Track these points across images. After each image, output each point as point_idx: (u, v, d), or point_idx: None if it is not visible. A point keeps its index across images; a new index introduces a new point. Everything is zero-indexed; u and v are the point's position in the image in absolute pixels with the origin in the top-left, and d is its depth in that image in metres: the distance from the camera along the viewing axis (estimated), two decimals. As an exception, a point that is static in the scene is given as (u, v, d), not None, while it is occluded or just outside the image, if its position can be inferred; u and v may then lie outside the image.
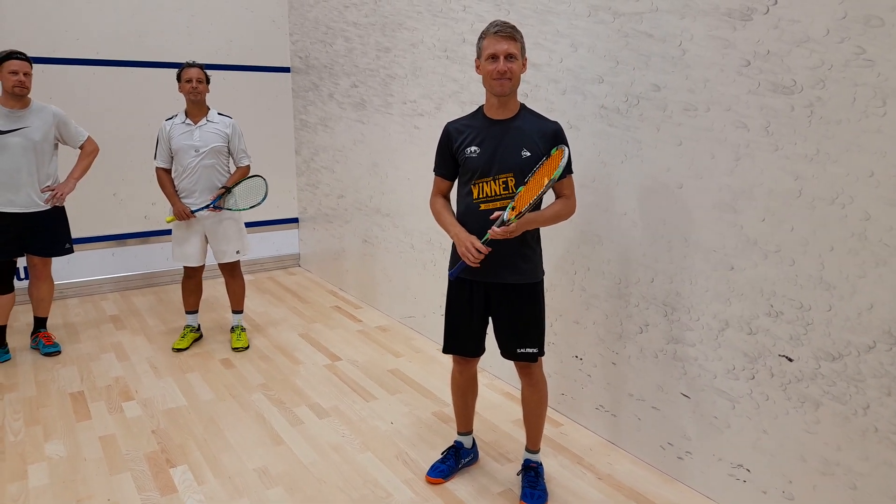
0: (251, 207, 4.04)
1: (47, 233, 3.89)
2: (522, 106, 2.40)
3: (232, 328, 4.29)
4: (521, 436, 3.04)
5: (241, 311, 4.30)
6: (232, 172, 4.06)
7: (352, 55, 4.81)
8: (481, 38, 2.30)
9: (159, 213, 5.36)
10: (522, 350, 2.44)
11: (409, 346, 4.27)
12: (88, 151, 3.99)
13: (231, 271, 4.19)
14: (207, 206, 3.90)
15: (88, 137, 3.99)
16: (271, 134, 5.73)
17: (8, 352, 3.95)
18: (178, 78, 3.86)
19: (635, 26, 2.64)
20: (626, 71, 2.71)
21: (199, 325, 4.31)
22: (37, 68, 3.77)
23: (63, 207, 3.96)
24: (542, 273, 2.48)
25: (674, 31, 2.49)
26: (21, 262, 4.04)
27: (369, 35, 4.57)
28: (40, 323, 4.12)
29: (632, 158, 2.74)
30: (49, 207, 3.84)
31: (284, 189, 5.93)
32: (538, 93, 3.16)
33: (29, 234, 3.81)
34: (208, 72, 3.94)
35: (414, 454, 2.96)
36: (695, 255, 2.52)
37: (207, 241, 4.07)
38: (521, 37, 2.29)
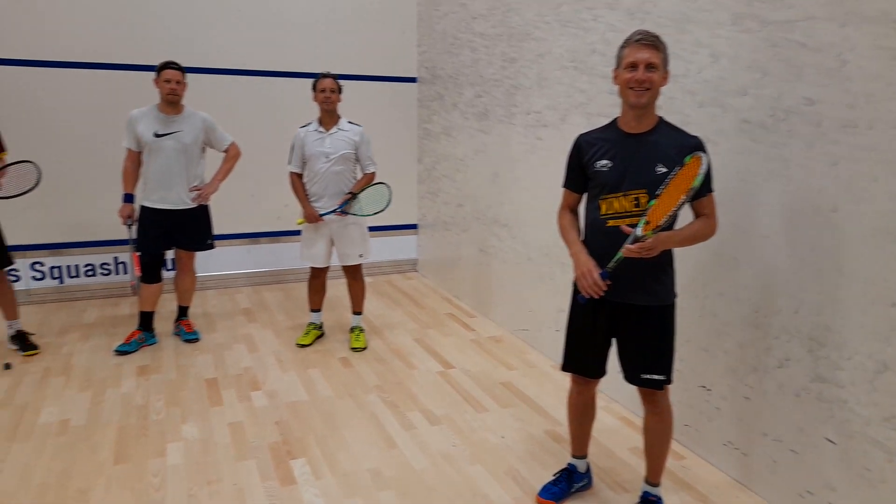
0: (375, 213, 4.16)
1: (193, 229, 4.22)
2: (661, 119, 2.28)
3: (351, 328, 4.44)
4: (639, 465, 2.90)
5: (360, 313, 4.45)
6: (358, 179, 4.20)
7: (477, 66, 4.85)
8: (622, 46, 2.22)
9: (290, 214, 5.64)
10: (648, 376, 2.32)
11: (523, 359, 4.21)
12: (231, 155, 4.30)
13: (353, 274, 4.34)
14: (335, 211, 4.06)
15: (232, 142, 4.29)
16: (395, 142, 5.90)
17: (154, 336, 4.33)
18: (314, 87, 4.06)
19: (786, 35, 2.44)
20: (773, 83, 2.51)
21: (321, 324, 4.50)
22: (190, 77, 4.10)
23: (207, 206, 4.28)
24: (675, 296, 2.35)
25: (832, 40, 2.27)
26: (168, 255, 4.43)
27: (495, 45, 4.58)
28: (183, 312, 4.49)
29: (777, 177, 2.53)
30: (195, 206, 4.17)
31: (405, 196, 6.07)
32: (672, 105, 3.00)
33: (177, 229, 4.16)
34: (340, 82, 4.11)
35: (525, 472, 2.90)
36: (849, 287, 2.28)
37: (333, 244, 4.25)
38: (665, 48, 2.18)
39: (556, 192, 3.96)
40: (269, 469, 2.89)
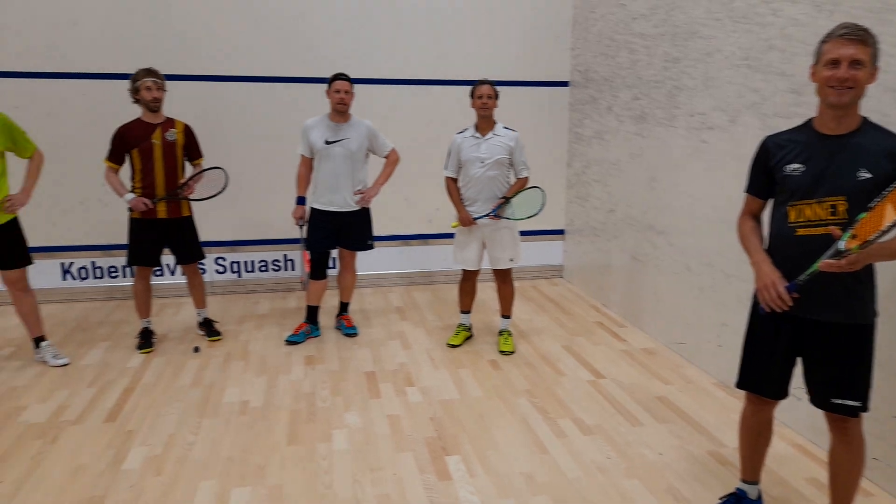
0: (528, 217, 4.17)
1: (356, 230, 4.48)
2: (865, 120, 2.07)
3: (500, 332, 4.49)
4: (817, 498, 2.65)
5: (509, 317, 4.48)
6: (512, 183, 4.24)
7: (635, 67, 4.70)
8: (823, 41, 2.04)
9: (442, 218, 5.85)
10: (841, 402, 2.11)
11: (679, 374, 4.01)
12: (391, 161, 4.51)
13: (503, 278, 4.38)
14: (488, 215, 4.13)
15: (392, 149, 4.51)
16: (544, 146, 5.87)
17: (319, 329, 4.65)
18: (471, 94, 4.16)
19: None
20: None
21: (470, 325, 4.59)
22: (356, 87, 4.37)
23: (369, 209, 4.53)
24: (874, 314, 2.12)
25: None
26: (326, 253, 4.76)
27: (657, 46, 4.41)
28: (344, 307, 4.78)
29: None
30: (359, 208, 4.42)
31: (553, 201, 5.98)
32: (867, 104, 2.71)
33: (342, 230, 4.44)
34: (497, 88, 4.17)
35: (687, 492, 2.76)
36: None
37: (485, 247, 4.32)
38: (875, 42, 1.98)
39: (721, 197, 3.74)
40: (426, 462, 3.00)
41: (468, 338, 4.57)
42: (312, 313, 4.61)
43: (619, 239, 5.05)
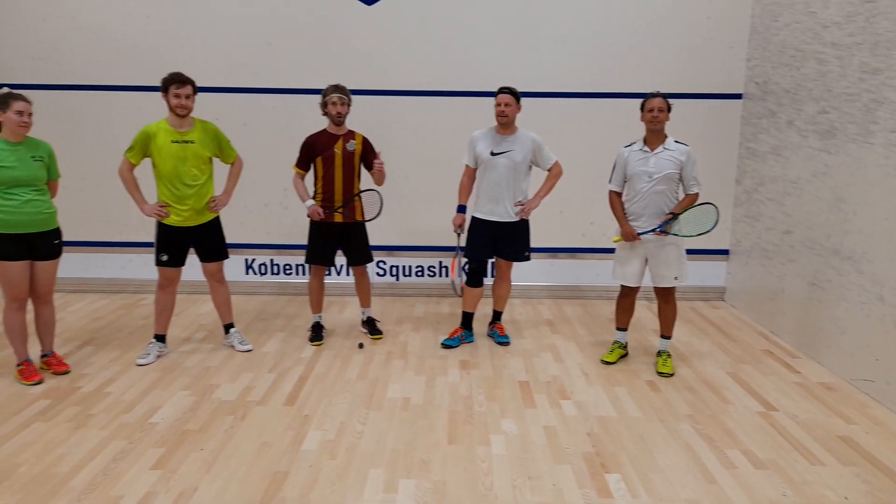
0: (697, 235, 4.01)
1: (514, 241, 4.54)
2: None
3: (658, 352, 4.33)
4: None
5: (669, 337, 4.31)
6: (680, 199, 4.09)
7: (824, 79, 4.35)
8: None
9: (597, 232, 5.78)
10: None
11: (865, 413, 3.64)
12: (554, 174, 4.53)
13: (666, 296, 4.23)
14: (654, 230, 4.02)
15: (556, 162, 4.52)
16: (712, 161, 5.59)
17: (472, 335, 4.77)
18: (642, 107, 4.08)
19: None
20: None
21: (626, 343, 4.48)
22: (523, 101, 4.45)
23: (528, 220, 4.58)
24: None
25: None
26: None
27: (852, 56, 4.06)
28: (497, 316, 4.86)
29: None
30: (518, 220, 4.49)
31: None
32: None
33: (501, 240, 4.52)
34: (669, 101, 4.06)
35: (882, 544, 2.50)
36: None
37: (647, 264, 4.20)
38: None
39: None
40: (584, 477, 2.97)
41: (623, 356, 4.46)
42: (467, 319, 4.73)
43: (796, 263, 4.68)
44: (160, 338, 4.36)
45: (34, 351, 4.05)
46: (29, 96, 3.74)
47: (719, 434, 3.40)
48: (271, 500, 2.76)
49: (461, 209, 4.57)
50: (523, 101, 4.43)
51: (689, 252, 4.25)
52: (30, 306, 3.96)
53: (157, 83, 4.05)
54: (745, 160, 5.53)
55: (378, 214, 4.53)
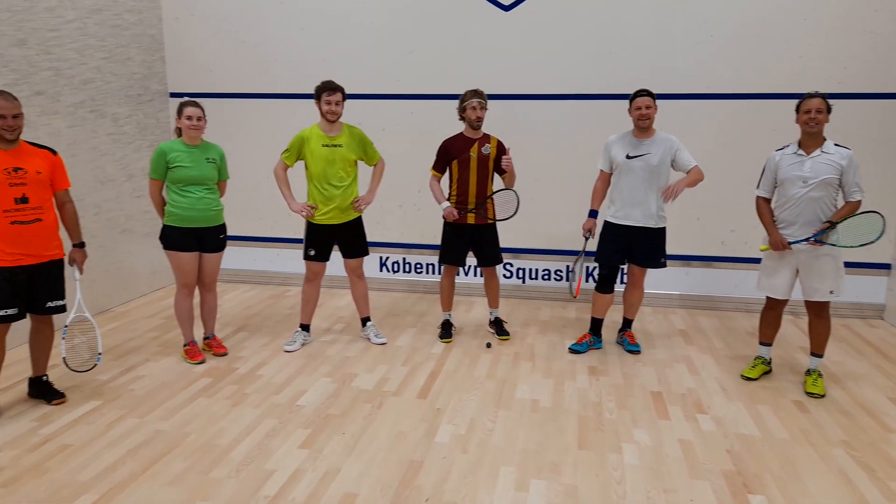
0: (858, 246, 3.69)
1: (649, 246, 4.41)
2: None
3: (807, 371, 4.03)
4: None
5: (820, 356, 4.00)
6: (838, 207, 3.79)
7: None
8: None
9: (737, 240, 5.48)
10: None
11: None
12: (693, 178, 4.31)
13: (818, 312, 3.93)
14: (808, 239, 3.75)
15: (695, 166, 4.32)
16: (881, 168, 5.11)
17: (601, 341, 4.69)
18: (797, 108, 3.82)
19: None
20: None
21: (770, 359, 4.21)
22: (661, 103, 4.32)
23: (665, 227, 4.43)
24: None
25: None
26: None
27: None
28: (627, 324, 4.75)
29: None
30: (655, 225, 4.35)
31: (879, 229, 5.22)
32: None
33: (634, 245, 4.41)
34: (829, 101, 3.77)
35: None
36: None
37: (798, 276, 3.92)
38: None
39: None
40: (725, 496, 2.84)
41: (766, 372, 4.19)
42: (596, 325, 4.66)
43: (976, 281, 4.17)
44: (305, 327, 4.68)
45: (198, 333, 4.50)
46: (203, 104, 4.17)
47: (880, 463, 3.11)
48: (408, 486, 2.89)
49: (593, 214, 4.51)
50: (661, 102, 4.30)
51: (846, 265, 3.92)
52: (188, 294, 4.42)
53: (309, 91, 4.36)
54: (915, 165, 5.00)
55: (514, 214, 4.58)
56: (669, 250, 4.56)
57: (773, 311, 4.11)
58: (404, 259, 6.11)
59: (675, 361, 4.44)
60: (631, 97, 4.31)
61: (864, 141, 5.06)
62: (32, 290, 3.46)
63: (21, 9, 4.46)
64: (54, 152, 3.58)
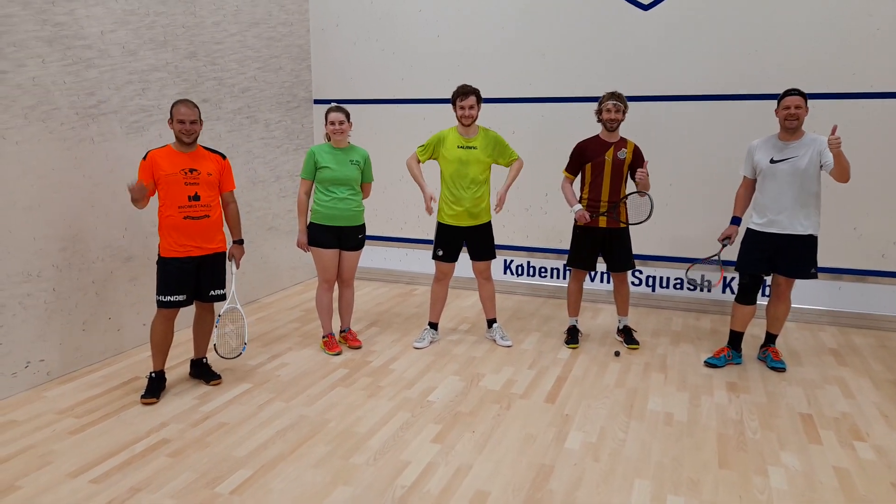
0: None
1: (795, 255, 4.11)
2: None
3: None
4: None
5: None
6: None
7: None
8: None
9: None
10: None
11: None
12: (838, 178, 3.93)
13: None
14: None
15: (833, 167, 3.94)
16: None
17: (740, 356, 4.43)
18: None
19: None
20: None
21: (941, 387, 3.79)
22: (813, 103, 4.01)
23: (816, 235, 4.10)
24: None
25: None
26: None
27: None
28: (771, 338, 4.45)
29: None
30: (804, 233, 4.05)
31: None
32: None
33: (780, 254, 4.13)
34: None
35: None
36: None
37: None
38: None
39: None
40: (891, 533, 2.59)
41: (936, 401, 3.78)
42: (736, 339, 4.41)
43: None
44: (433, 325, 4.82)
45: (335, 326, 4.76)
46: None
47: None
48: (539, 490, 2.89)
49: (735, 220, 4.29)
50: (817, 104, 3.99)
51: None
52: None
53: (444, 96, 4.48)
54: None
55: (647, 218, 4.45)
56: (820, 262, 4.23)
57: (947, 333, 3.69)
58: (528, 262, 6.10)
59: (826, 382, 4.11)
60: (780, 97, 4.06)
61: None
62: (199, 280, 3.83)
63: (192, 24, 4.95)
64: (224, 157, 3.94)
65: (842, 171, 3.84)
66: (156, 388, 3.81)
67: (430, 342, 4.75)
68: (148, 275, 4.26)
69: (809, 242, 4.12)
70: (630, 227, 4.54)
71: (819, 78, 4.93)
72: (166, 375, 3.94)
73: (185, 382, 4.06)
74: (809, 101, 4.04)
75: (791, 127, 4.02)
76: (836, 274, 5.21)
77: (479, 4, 5.85)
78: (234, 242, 4.08)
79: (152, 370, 3.86)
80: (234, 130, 5.46)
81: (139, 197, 3.58)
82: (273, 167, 5.95)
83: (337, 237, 4.43)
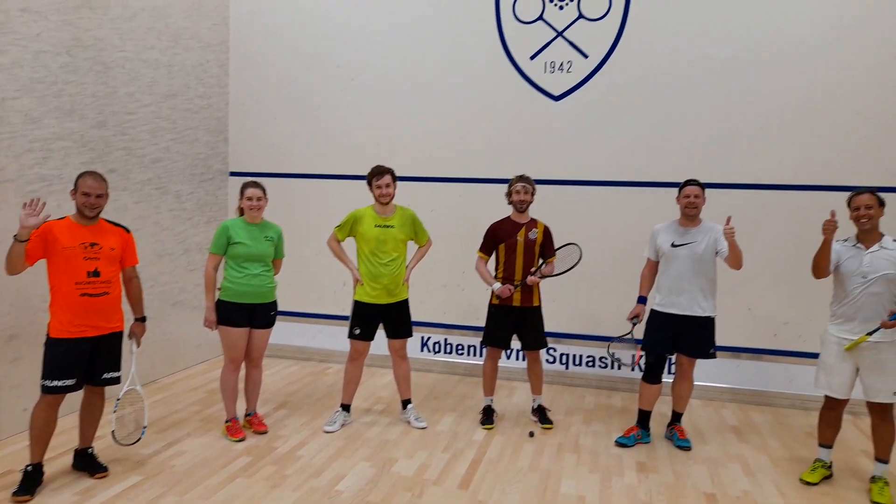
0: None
1: (698, 337, 4.32)
2: None
3: (872, 478, 3.79)
4: None
5: (886, 462, 3.77)
6: (897, 304, 3.68)
7: None
8: None
9: (790, 332, 5.32)
10: None
11: None
12: (731, 264, 4.22)
13: (881, 414, 3.74)
14: (871, 333, 3.61)
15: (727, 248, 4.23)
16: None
17: (649, 435, 4.51)
18: (848, 203, 3.79)
19: None
20: None
21: (831, 463, 3.98)
22: (709, 192, 4.35)
23: (713, 317, 4.34)
24: None
25: None
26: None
27: None
28: (676, 417, 4.58)
29: None
30: (702, 314, 4.27)
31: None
32: None
33: (682, 335, 4.32)
34: (881, 195, 3.74)
35: None
36: None
37: (858, 374, 3.76)
38: None
39: None
40: None
41: (827, 476, 3.95)
42: (644, 418, 4.51)
43: None
44: (346, 407, 4.66)
45: (241, 409, 4.51)
46: (263, 183, 4.37)
47: (963, 589, 2.85)
48: (449, 586, 2.77)
49: (641, 300, 4.47)
50: (713, 192, 4.32)
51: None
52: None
53: (364, 173, 4.53)
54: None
55: (572, 268, 4.60)
56: (719, 341, 4.45)
57: (832, 411, 3.92)
58: (446, 340, 6.08)
59: (728, 460, 4.24)
60: (681, 186, 4.36)
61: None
62: (92, 361, 3.56)
63: (104, 94, 4.82)
64: (128, 230, 3.77)
65: (736, 259, 4.13)
66: (31, 483, 3.44)
67: (342, 425, 4.58)
68: (33, 356, 3.92)
69: (708, 324, 4.34)
70: (542, 305, 4.65)
71: (714, 169, 5.34)
72: (44, 468, 3.57)
73: (66, 475, 3.69)
74: (707, 191, 4.35)
75: (691, 214, 4.30)
76: (735, 352, 5.49)
77: (401, 85, 6.04)
78: (135, 320, 3.85)
79: (29, 463, 3.49)
80: (141, 202, 5.26)
81: (19, 248, 3.23)
82: (182, 240, 5.74)
83: (248, 315, 4.27)
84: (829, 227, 3.69)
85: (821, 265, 3.80)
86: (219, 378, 4.50)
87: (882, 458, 3.78)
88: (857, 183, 4.75)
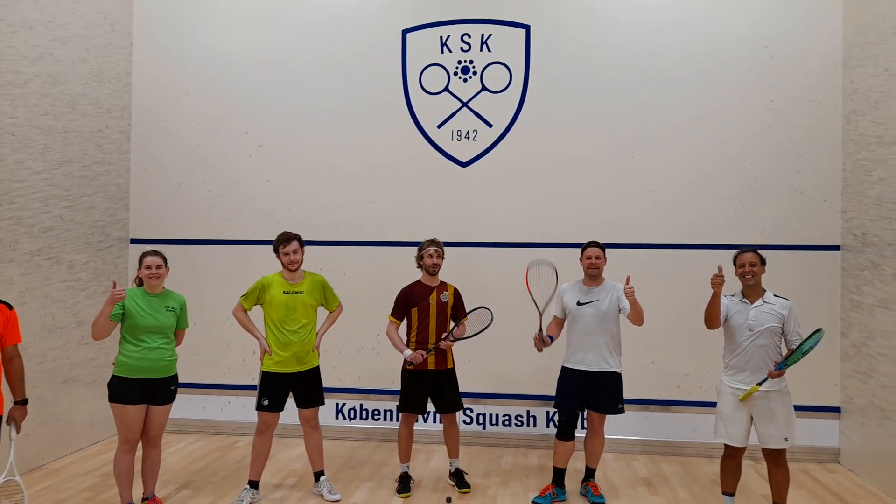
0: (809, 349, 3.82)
1: (606, 393, 4.45)
2: None
3: (773, 523, 3.97)
4: None
5: (783, 506, 3.96)
6: (783, 353, 3.94)
7: (928, 231, 4.24)
8: None
9: (691, 383, 5.57)
10: None
11: None
12: (633, 321, 4.44)
13: (775, 459, 3.95)
14: (763, 381, 3.83)
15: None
16: (812, 313, 5.33)
17: (564, 493, 4.54)
18: (734, 261, 4.09)
19: None
20: None
21: (735, 511, 4.14)
22: (609, 252, 4.59)
23: (620, 373, 4.50)
24: None
25: None
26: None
27: (956, 208, 3.97)
28: (590, 473, 4.65)
29: None
30: (610, 370, 4.42)
31: (824, 374, 5.40)
32: None
33: (591, 391, 4.43)
34: (763, 253, 4.06)
35: None
36: None
37: (753, 422, 3.98)
38: None
39: None
40: None
41: (732, 524, 4.10)
42: (559, 475, 4.54)
43: (921, 425, 4.30)
44: (254, 484, 4.42)
45: (136, 492, 4.18)
46: (164, 250, 4.20)
47: None
48: None
49: (549, 338, 4.55)
50: (613, 252, 4.54)
51: (798, 409, 4.01)
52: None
53: (272, 238, 4.47)
54: (849, 312, 5.29)
55: (483, 330, 4.65)
56: (627, 395, 4.60)
57: (732, 458, 4.10)
58: (361, 405, 5.95)
59: (640, 514, 4.32)
60: (583, 247, 4.57)
61: (798, 289, 5.34)
62: (-41, 452, 3.23)
63: (-11, 161, 4.56)
64: (10, 307, 3.51)
65: (637, 316, 4.34)
66: None
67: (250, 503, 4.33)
68: None
69: (615, 379, 4.49)
70: (456, 366, 4.67)
71: (612, 230, 5.64)
72: None
73: (-72, 584, 3.27)
74: (607, 251, 4.58)
75: (593, 274, 4.50)
76: (644, 405, 5.67)
77: (311, 152, 6.06)
78: (14, 403, 3.54)
79: None
80: (29, 273, 4.92)
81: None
82: (75, 312, 5.39)
83: (146, 391, 4.01)
84: (717, 281, 3.97)
85: (711, 315, 4.05)
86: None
87: (779, 503, 3.97)
88: (740, 241, 5.15)
